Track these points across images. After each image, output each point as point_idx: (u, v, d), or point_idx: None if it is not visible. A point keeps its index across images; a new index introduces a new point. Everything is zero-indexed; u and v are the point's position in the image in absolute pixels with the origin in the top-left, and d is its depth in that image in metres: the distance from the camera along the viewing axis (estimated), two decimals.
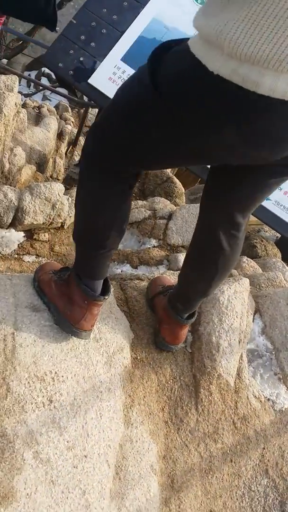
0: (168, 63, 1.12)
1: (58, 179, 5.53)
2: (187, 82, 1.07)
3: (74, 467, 1.39)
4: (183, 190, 4.35)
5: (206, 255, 1.59)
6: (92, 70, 3.15)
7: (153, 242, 2.97)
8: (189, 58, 1.04)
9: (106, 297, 1.60)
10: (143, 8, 3.17)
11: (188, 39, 1.12)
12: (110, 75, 3.12)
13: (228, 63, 0.96)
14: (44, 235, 2.80)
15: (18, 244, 2.73)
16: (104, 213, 1.46)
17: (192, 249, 1.67)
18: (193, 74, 1.05)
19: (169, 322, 1.79)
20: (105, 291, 1.63)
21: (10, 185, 3.25)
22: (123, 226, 1.53)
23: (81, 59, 3.17)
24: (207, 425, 1.77)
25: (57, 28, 1.88)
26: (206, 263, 1.60)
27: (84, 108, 7.82)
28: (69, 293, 1.60)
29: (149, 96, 1.15)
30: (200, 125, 1.10)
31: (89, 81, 3.09)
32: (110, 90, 3.06)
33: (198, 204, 3.06)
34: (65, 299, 1.61)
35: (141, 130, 1.23)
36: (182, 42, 1.13)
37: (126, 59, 3.09)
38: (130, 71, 3.03)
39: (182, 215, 3.05)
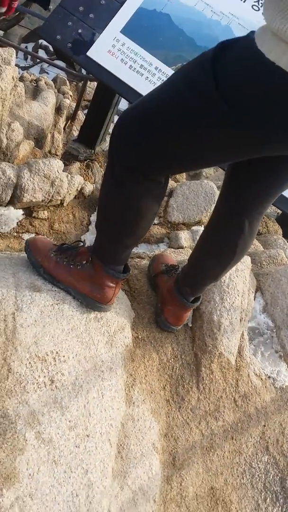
0: (231, 66, 1.06)
1: (57, 155, 5.46)
2: (259, 85, 1.02)
3: (76, 446, 1.40)
4: None
5: (226, 239, 1.58)
6: (91, 42, 3.08)
7: None
8: (260, 61, 0.99)
9: (129, 273, 1.70)
10: None
11: (245, 37, 1.07)
12: (109, 47, 3.05)
13: None
14: (43, 213, 2.77)
15: (17, 222, 2.70)
16: (141, 215, 1.47)
17: (211, 235, 1.65)
18: (265, 76, 1.00)
19: (173, 304, 1.78)
20: (126, 269, 1.69)
21: (8, 162, 3.21)
22: (152, 221, 1.57)
23: (80, 31, 3.10)
24: (208, 403, 1.78)
25: (50, 7, 1.82)
26: (225, 247, 1.60)
27: (82, 82, 7.69)
28: (96, 277, 1.64)
29: (209, 103, 1.09)
30: (275, 129, 1.07)
31: (88, 53, 3.02)
32: (109, 63, 2.99)
33: (199, 181, 3.02)
34: (89, 283, 1.65)
35: (195, 135, 1.18)
36: (239, 41, 1.08)
37: (125, 31, 3.01)
38: (130, 44, 2.96)
39: (183, 192, 3.01)
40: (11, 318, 1.53)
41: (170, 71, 2.93)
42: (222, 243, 1.60)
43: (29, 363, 1.46)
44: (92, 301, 1.66)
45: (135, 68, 2.90)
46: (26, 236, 2.68)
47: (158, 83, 2.83)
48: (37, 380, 1.44)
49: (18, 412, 1.36)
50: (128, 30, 3.04)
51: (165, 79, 2.87)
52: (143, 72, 2.91)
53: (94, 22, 3.11)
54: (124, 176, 1.38)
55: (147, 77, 2.92)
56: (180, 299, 1.76)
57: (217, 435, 1.75)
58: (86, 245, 1.72)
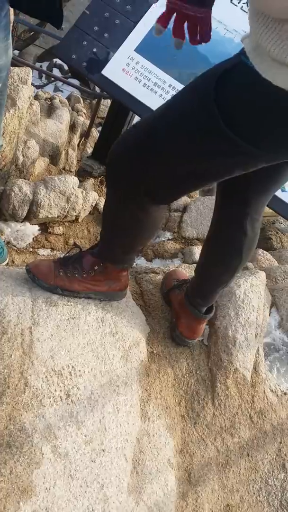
0: (232, 90, 1.08)
1: (71, 171, 5.52)
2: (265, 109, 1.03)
3: (92, 461, 1.40)
4: None
5: (231, 245, 1.60)
6: (106, 61, 3.12)
7: (168, 235, 2.96)
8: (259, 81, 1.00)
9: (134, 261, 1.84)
10: None
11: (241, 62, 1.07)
12: (124, 66, 3.09)
13: None
14: (59, 228, 2.80)
15: (33, 238, 2.73)
16: (145, 228, 1.54)
17: (214, 242, 1.68)
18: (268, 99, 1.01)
19: (186, 317, 1.78)
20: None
21: (24, 178, 3.25)
22: (156, 231, 1.63)
23: (95, 50, 3.15)
24: (224, 419, 1.77)
25: (62, 26, 1.86)
26: (231, 253, 1.61)
27: (96, 99, 7.78)
28: (110, 275, 1.70)
29: (215, 127, 1.10)
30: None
31: (103, 72, 3.07)
32: (123, 81, 3.03)
33: (213, 197, 3.03)
34: (105, 282, 1.72)
35: (199, 157, 1.21)
36: (235, 63, 1.09)
37: (139, 49, 3.06)
38: (144, 62, 3.00)
39: (197, 207, 3.03)
40: (28, 332, 1.54)
41: None
42: (227, 250, 1.62)
43: (46, 377, 1.47)
44: (112, 293, 1.75)
45: (149, 86, 2.94)
46: (42, 252, 2.71)
47: None
48: (53, 394, 1.45)
49: (35, 425, 1.37)
50: (142, 49, 3.08)
51: None
52: (157, 90, 2.95)
53: (108, 41, 3.16)
54: (127, 201, 1.43)
55: (161, 95, 2.95)
56: (192, 310, 1.77)
57: (232, 452, 1.74)
58: (82, 248, 1.80)
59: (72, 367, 1.54)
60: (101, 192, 4.16)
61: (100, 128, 7.50)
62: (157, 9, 3.11)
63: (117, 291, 1.75)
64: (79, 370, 1.54)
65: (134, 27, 3.10)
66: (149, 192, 1.36)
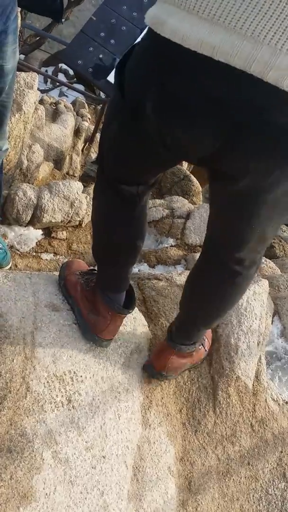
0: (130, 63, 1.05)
1: (75, 176, 5.54)
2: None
3: (92, 467, 1.40)
4: (200, 188, 4.33)
5: (213, 286, 1.43)
6: (112, 67, 3.13)
7: (171, 241, 2.96)
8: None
9: (130, 311, 1.60)
10: None
11: None
12: None
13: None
14: (62, 233, 2.80)
15: (36, 242, 2.74)
16: (113, 230, 1.45)
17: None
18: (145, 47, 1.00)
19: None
20: (129, 304, 1.61)
21: (28, 183, 3.26)
22: (137, 242, 1.48)
23: (101, 56, 3.16)
24: (225, 428, 1.76)
25: (62, 20, 1.88)
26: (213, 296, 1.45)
27: (101, 105, 7.81)
28: (94, 301, 1.60)
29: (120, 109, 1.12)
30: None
31: (108, 78, 3.08)
32: None
33: None
34: (89, 306, 1.61)
35: (115, 135, 1.21)
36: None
37: None
38: None
39: (200, 214, 3.03)
40: (30, 337, 1.54)
41: None
42: (206, 289, 1.46)
43: (47, 382, 1.47)
44: (86, 324, 1.59)
45: None
46: (45, 256, 2.71)
47: None
48: (54, 399, 1.45)
49: (36, 431, 1.37)
50: None
51: None
52: None
53: (114, 48, 3.17)
54: (98, 191, 1.43)
55: None
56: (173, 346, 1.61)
57: (233, 460, 1.73)
58: None
59: (74, 372, 1.53)
60: None
61: None
62: None
63: (89, 325, 1.58)
64: (81, 376, 1.54)
65: (140, 33, 3.11)
66: (101, 166, 1.34)
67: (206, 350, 1.81)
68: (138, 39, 3.18)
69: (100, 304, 1.58)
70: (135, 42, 1.08)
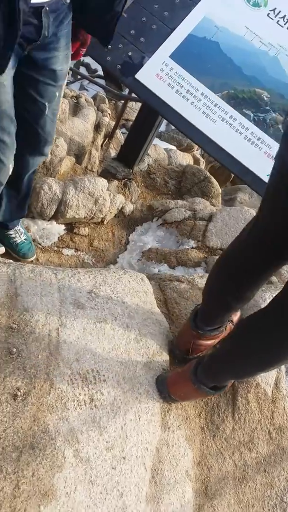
0: None
1: (92, 171, 5.52)
2: None
3: (112, 468, 1.40)
4: (220, 190, 4.31)
5: None
6: (140, 65, 3.12)
7: (192, 243, 2.95)
8: None
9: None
10: (195, 6, 3.12)
11: None
12: (158, 71, 3.09)
13: None
14: (84, 229, 2.80)
15: (58, 237, 2.74)
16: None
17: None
18: None
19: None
20: None
21: (51, 176, 3.26)
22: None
23: (130, 53, 3.15)
24: (243, 434, 1.76)
25: (109, 46, 1.89)
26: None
27: (122, 101, 7.79)
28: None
29: None
30: None
31: (136, 76, 3.07)
32: (156, 86, 3.02)
33: (239, 208, 3.03)
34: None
35: None
36: None
37: (174, 56, 3.05)
38: (178, 69, 2.99)
39: (223, 217, 3.02)
40: (55, 333, 1.54)
41: (216, 98, 2.95)
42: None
43: (71, 379, 1.47)
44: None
45: (181, 93, 2.93)
46: (66, 251, 2.71)
47: (203, 109, 2.87)
48: (77, 397, 1.45)
49: (58, 428, 1.37)
50: (177, 56, 3.07)
51: (210, 105, 2.91)
52: (189, 97, 2.94)
53: (144, 46, 3.16)
54: None
55: (193, 102, 2.94)
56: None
57: (250, 467, 1.73)
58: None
59: (97, 371, 1.54)
60: (124, 195, 4.17)
61: (123, 130, 7.50)
62: (195, 17, 3.11)
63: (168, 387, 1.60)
64: (103, 375, 1.54)
65: (171, 33, 3.09)
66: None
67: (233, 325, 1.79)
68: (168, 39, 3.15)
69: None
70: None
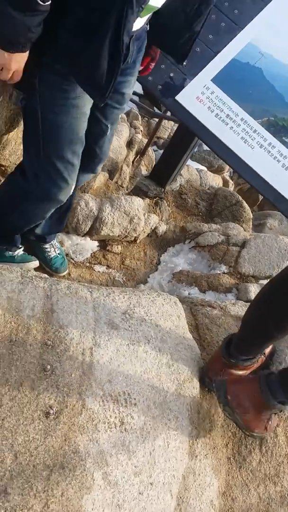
0: None
1: (122, 187, 5.56)
2: None
3: (139, 493, 1.39)
4: (251, 215, 4.29)
5: None
6: (181, 87, 3.14)
7: (224, 268, 2.94)
8: None
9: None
10: (240, 31, 3.14)
11: None
12: (198, 94, 3.10)
13: None
14: (117, 247, 2.82)
15: (91, 253, 2.76)
16: None
17: None
18: None
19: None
20: None
21: (85, 191, 3.29)
22: None
23: (171, 75, 3.17)
24: (269, 467, 1.73)
25: (184, 63, 1.92)
26: None
27: (157, 119, 7.84)
28: None
29: None
30: None
31: (176, 97, 3.09)
32: (196, 109, 3.04)
33: (274, 236, 3.01)
34: None
35: None
36: None
37: (216, 80, 3.07)
38: (219, 93, 3.01)
39: (257, 245, 3.01)
40: (88, 353, 1.55)
41: (255, 124, 2.95)
42: None
43: (102, 401, 1.47)
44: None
45: (221, 117, 2.94)
46: (98, 268, 2.73)
47: (242, 134, 2.88)
48: (108, 419, 1.45)
49: (88, 450, 1.37)
50: (219, 80, 3.09)
51: (249, 131, 2.92)
52: (228, 121, 2.95)
53: (186, 68, 3.18)
54: None
55: (232, 127, 2.94)
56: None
57: (274, 500, 1.70)
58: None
59: (128, 394, 1.53)
60: (155, 214, 4.19)
61: (154, 147, 7.54)
62: (240, 42, 3.13)
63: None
64: (134, 399, 1.54)
65: (214, 56, 3.11)
66: None
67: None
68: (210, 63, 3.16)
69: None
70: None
